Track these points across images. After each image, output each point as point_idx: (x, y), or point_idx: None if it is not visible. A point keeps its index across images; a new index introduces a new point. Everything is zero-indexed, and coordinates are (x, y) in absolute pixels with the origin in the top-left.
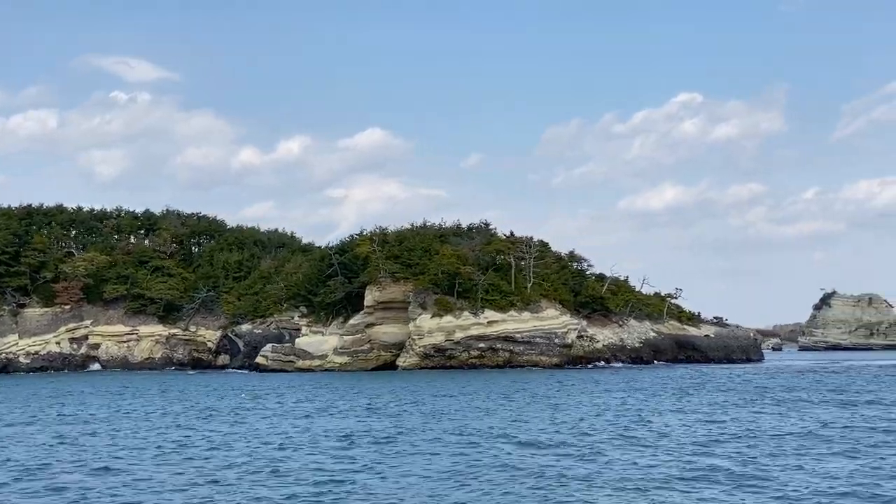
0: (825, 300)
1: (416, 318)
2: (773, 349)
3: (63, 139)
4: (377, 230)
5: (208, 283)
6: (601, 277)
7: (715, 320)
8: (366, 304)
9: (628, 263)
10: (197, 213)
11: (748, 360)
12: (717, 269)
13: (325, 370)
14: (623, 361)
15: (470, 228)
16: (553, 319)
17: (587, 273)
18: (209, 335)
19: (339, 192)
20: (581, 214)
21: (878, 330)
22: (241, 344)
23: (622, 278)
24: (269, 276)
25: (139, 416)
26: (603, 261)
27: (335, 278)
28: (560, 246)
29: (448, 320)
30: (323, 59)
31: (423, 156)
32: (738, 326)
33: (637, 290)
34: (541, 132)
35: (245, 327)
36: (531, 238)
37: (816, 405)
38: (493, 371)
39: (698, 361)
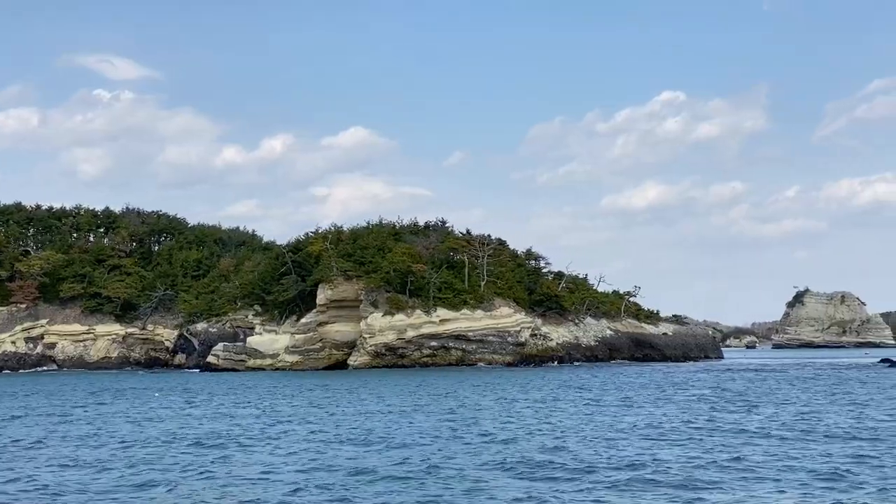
0: (798, 298)
1: (367, 317)
2: (748, 347)
3: (45, 137)
4: (332, 228)
5: (166, 281)
6: (559, 276)
7: (674, 318)
8: (318, 302)
9: (610, 262)
10: (157, 212)
11: (706, 358)
12: (699, 267)
13: (277, 369)
14: (578, 360)
15: (427, 226)
16: (506, 318)
17: (544, 271)
18: (166, 334)
19: (322, 190)
20: (564, 213)
21: (850, 328)
22: (196, 343)
23: (581, 277)
24: (228, 274)
25: None
26: (585, 259)
27: (288, 277)
28: (542, 244)
29: (400, 319)
30: (306, 57)
31: (406, 154)
32: (697, 324)
33: (595, 288)
34: (525, 131)
35: (200, 326)
36: (488, 236)
37: (658, 405)
38: (436, 370)
39: (655, 360)
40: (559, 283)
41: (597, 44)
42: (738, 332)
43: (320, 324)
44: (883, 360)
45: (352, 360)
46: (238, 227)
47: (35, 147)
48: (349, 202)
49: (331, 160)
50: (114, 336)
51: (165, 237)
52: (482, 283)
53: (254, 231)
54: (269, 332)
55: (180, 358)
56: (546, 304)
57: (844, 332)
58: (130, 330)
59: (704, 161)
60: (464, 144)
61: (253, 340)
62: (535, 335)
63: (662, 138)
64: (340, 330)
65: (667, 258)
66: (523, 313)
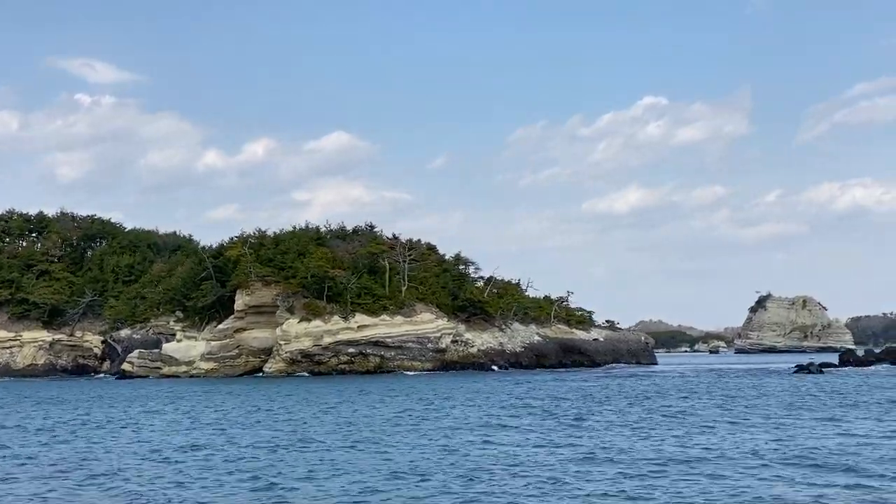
0: (761, 303)
1: (283, 323)
2: (711, 352)
3: (25, 141)
4: (256, 233)
5: (97, 287)
6: (490, 281)
7: (606, 324)
8: (236, 308)
9: (590, 265)
10: (92, 216)
11: (638, 364)
12: (678, 271)
13: (192, 377)
14: (501, 366)
15: (355, 231)
16: (427, 324)
17: (475, 277)
18: (95, 341)
19: (304, 195)
20: (546, 216)
21: (811, 332)
22: (119, 349)
23: (515, 281)
24: (160, 279)
25: None
26: (565, 262)
27: (207, 282)
28: (523, 248)
29: (316, 325)
30: (289, 61)
31: (388, 158)
32: (629, 330)
33: (525, 293)
34: (507, 135)
35: (124, 332)
36: (418, 241)
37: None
38: (351, 377)
39: (584, 365)
40: (486, 289)
41: (580, 48)
42: (708, 337)
43: (237, 330)
44: (798, 367)
45: (267, 367)
46: (175, 232)
47: (15, 151)
48: (331, 206)
49: (313, 164)
50: (40, 343)
51: (99, 242)
52: (403, 289)
53: (190, 235)
54: (190, 338)
55: (108, 365)
56: (470, 310)
57: (806, 336)
58: (58, 336)
59: (686, 165)
60: (446, 148)
61: (168, 347)
62: (457, 341)
63: (644, 142)
64: (258, 336)
65: (646, 262)
66: (445, 319)
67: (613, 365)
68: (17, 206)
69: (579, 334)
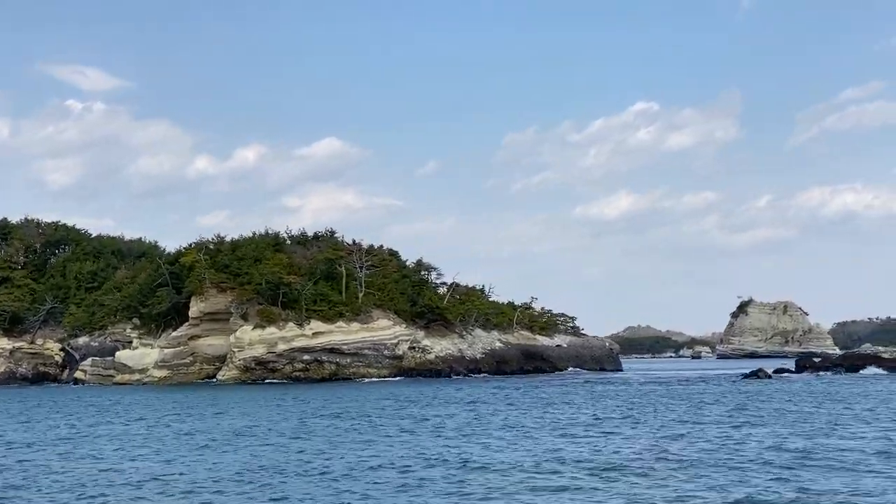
0: (742, 308)
1: (237, 330)
2: (693, 357)
3: (15, 148)
4: (214, 239)
5: (59, 294)
6: (454, 286)
7: (571, 329)
8: (190, 315)
9: (581, 270)
10: (56, 222)
11: (602, 370)
12: (668, 275)
13: (144, 384)
14: (460, 373)
15: (316, 237)
16: (384, 330)
17: (438, 283)
18: (55, 349)
19: (295, 201)
20: (537, 221)
21: (792, 337)
22: (77, 357)
23: (479, 287)
24: (121, 286)
25: None
26: (556, 267)
27: (162, 289)
28: (514, 253)
29: (271, 332)
30: (280, 67)
31: (379, 165)
32: (595, 336)
33: (488, 298)
34: (499, 140)
35: (82, 340)
36: (380, 247)
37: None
38: (303, 384)
39: (546, 371)
40: (447, 295)
41: (572, 53)
42: (694, 342)
43: (192, 337)
44: (751, 373)
45: (220, 375)
46: (140, 238)
47: (5, 157)
48: (322, 213)
49: (304, 170)
50: (0, 350)
51: (63, 248)
52: (360, 295)
53: (155, 242)
54: (146, 345)
55: (67, 373)
56: (428, 316)
57: (787, 341)
58: (18, 344)
59: (677, 171)
60: (437, 154)
61: (121, 355)
62: (414, 348)
63: (635, 148)
64: (213, 344)
65: (637, 267)
66: (403, 325)
67: (577, 371)
68: (6, 213)
69: (542, 340)
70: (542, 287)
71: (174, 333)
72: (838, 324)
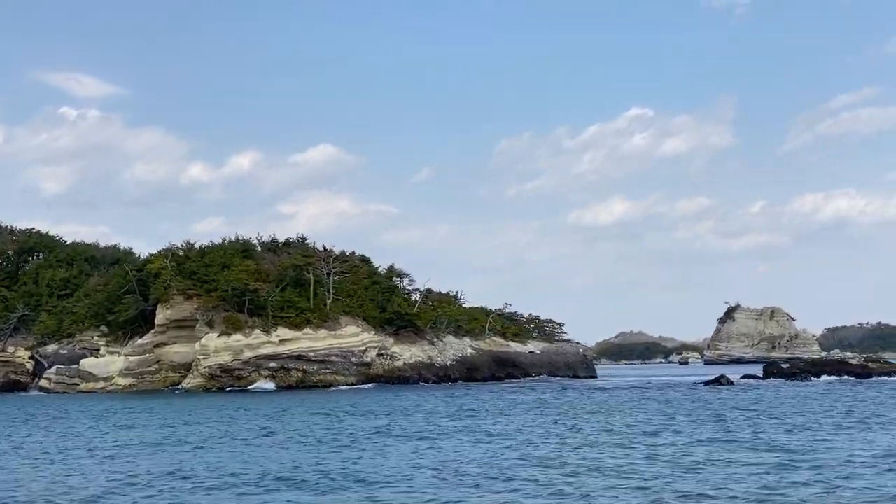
0: (729, 314)
1: (202, 337)
2: (680, 363)
3: (8, 155)
4: (184, 245)
5: (31, 301)
6: (428, 293)
7: (544, 336)
8: (157, 322)
9: (575, 276)
10: (30, 229)
11: (575, 377)
12: (662, 281)
13: (109, 392)
14: (429, 380)
15: (287, 243)
16: (352, 337)
17: (410, 289)
18: (26, 356)
19: (289, 207)
20: (531, 228)
21: (779, 343)
22: (46, 365)
23: (453, 293)
24: (93, 293)
25: None
26: (550, 274)
27: (129, 296)
28: (508, 259)
29: (237, 339)
30: (274, 73)
31: (374, 171)
32: (569, 342)
33: (461, 304)
34: (493, 146)
35: (51, 348)
36: (352, 253)
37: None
38: (267, 392)
39: (517, 378)
40: (416, 301)
41: (567, 59)
42: (684, 348)
43: (158, 345)
44: (713, 380)
45: (185, 383)
46: (116, 245)
47: None
48: (316, 219)
49: (298, 177)
50: None
51: (36, 255)
52: (328, 301)
53: (130, 248)
54: (113, 353)
55: (36, 381)
56: (398, 323)
57: (774, 347)
58: None
59: (671, 176)
60: (432, 160)
61: (86, 363)
62: (382, 355)
63: (629, 154)
64: (179, 351)
65: (631, 273)
66: (372, 332)
67: (547, 378)
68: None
69: (515, 347)
70: (536, 294)
71: (140, 341)
72: (829, 329)
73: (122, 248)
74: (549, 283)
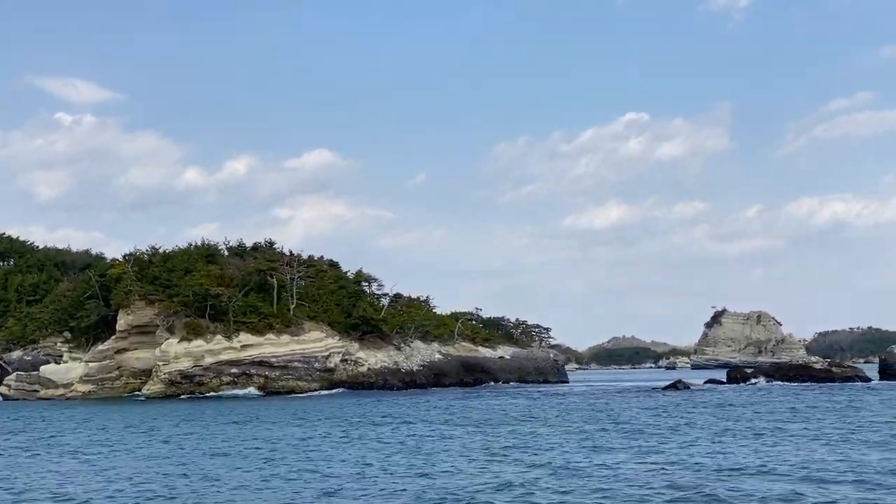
0: (716, 318)
1: (162, 343)
2: (667, 368)
3: (4, 159)
4: (149, 250)
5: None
6: (397, 297)
7: (514, 341)
8: (118, 328)
9: (569, 281)
10: (0, 234)
11: (545, 382)
12: (656, 286)
13: (68, 399)
14: (394, 386)
15: (254, 247)
16: (315, 342)
17: (380, 293)
18: None
19: (285, 212)
20: (525, 232)
21: (765, 347)
22: (10, 370)
23: (423, 298)
24: (60, 299)
25: None
26: (545, 279)
27: (91, 301)
28: (503, 265)
29: (197, 344)
30: (270, 78)
31: (369, 176)
32: (540, 348)
33: (431, 309)
34: (488, 150)
35: (16, 354)
36: (320, 258)
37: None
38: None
39: (486, 383)
40: (384, 306)
41: (563, 64)
42: (674, 353)
43: (119, 351)
44: (671, 385)
45: (145, 390)
46: (87, 251)
47: None
48: (312, 224)
49: (294, 182)
50: None
51: (6, 260)
52: (292, 306)
53: (101, 253)
54: (76, 359)
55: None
56: (363, 328)
57: (760, 351)
58: None
59: (667, 181)
60: (428, 164)
61: (46, 369)
62: (346, 360)
63: (625, 158)
64: (141, 357)
65: (626, 278)
66: (336, 337)
67: (519, 385)
68: None
69: (484, 352)
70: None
71: (100, 347)
72: (819, 333)
73: (93, 253)
74: (544, 288)
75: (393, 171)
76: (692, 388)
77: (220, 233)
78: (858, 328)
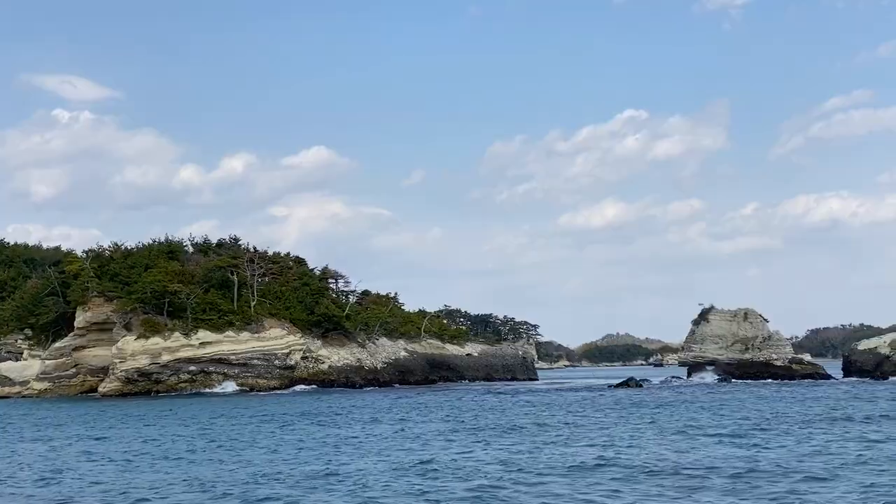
0: (703, 315)
1: (119, 341)
2: (655, 365)
3: (0, 158)
4: (111, 246)
5: None
6: (365, 295)
7: (482, 340)
8: (76, 325)
9: (566, 279)
10: None
11: (514, 379)
12: (653, 284)
13: (24, 397)
14: (356, 384)
15: (219, 244)
16: (276, 340)
17: (346, 290)
18: None
19: (281, 210)
20: (522, 231)
21: (752, 344)
22: None
23: (392, 295)
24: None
25: None
26: (540, 277)
27: (49, 298)
28: (499, 264)
29: (155, 342)
30: (267, 76)
31: (367, 174)
32: (510, 345)
33: (399, 306)
34: (485, 149)
35: None
36: (287, 254)
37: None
38: (175, 397)
39: (451, 381)
40: (348, 303)
41: (561, 62)
42: (666, 350)
43: (76, 348)
44: (622, 382)
45: (101, 388)
46: (59, 247)
47: None
48: (308, 222)
49: (291, 180)
50: None
51: None
52: (252, 303)
53: (70, 249)
54: (35, 356)
55: None
56: (325, 325)
57: (747, 348)
58: None
59: (663, 179)
60: (424, 163)
61: (3, 367)
62: (307, 357)
63: (622, 156)
64: (98, 355)
65: (622, 276)
66: (298, 335)
67: (490, 383)
68: None
69: (451, 349)
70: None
71: (57, 344)
72: (811, 331)
73: (64, 249)
74: (540, 286)
75: (390, 170)
76: (644, 386)
77: (216, 231)
78: (850, 325)
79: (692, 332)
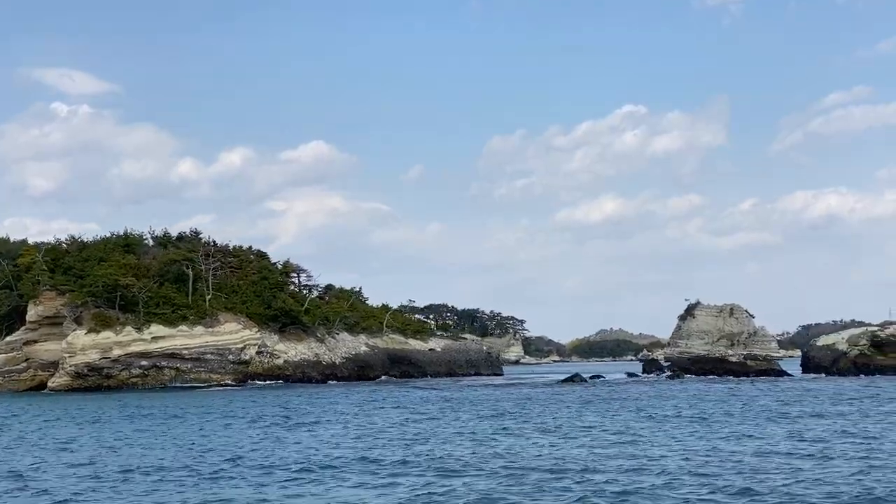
0: (689, 311)
1: (69, 335)
2: (640, 360)
3: None
4: (67, 240)
5: None
6: (328, 289)
7: (449, 335)
8: (28, 319)
9: (564, 275)
10: None
11: (478, 374)
12: (651, 279)
13: None
14: (314, 379)
15: (180, 237)
16: (230, 334)
17: (309, 285)
18: None
19: (280, 204)
20: (520, 226)
21: (738, 340)
22: None
23: (354, 289)
24: None
25: None
26: (539, 273)
27: (3, 291)
28: (495, 259)
29: (106, 336)
30: (266, 70)
31: (365, 168)
32: (474, 340)
33: (360, 300)
34: (484, 144)
35: None
36: (248, 248)
37: None
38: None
39: (414, 376)
40: (308, 297)
41: (560, 57)
42: (656, 345)
43: (27, 342)
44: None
45: (51, 382)
46: (25, 239)
47: None
48: (306, 217)
49: (289, 174)
50: None
51: None
52: (207, 298)
53: (36, 243)
54: None
55: None
56: (282, 320)
57: (733, 344)
58: None
59: (662, 175)
60: (423, 158)
61: None
62: (262, 353)
63: (621, 152)
64: (50, 349)
65: (620, 271)
66: (254, 329)
67: (448, 376)
68: None
69: (414, 344)
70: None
71: (8, 338)
72: (802, 326)
73: (30, 242)
74: (538, 281)
75: (389, 165)
76: (591, 382)
77: (214, 226)
78: (841, 321)
79: (678, 328)
